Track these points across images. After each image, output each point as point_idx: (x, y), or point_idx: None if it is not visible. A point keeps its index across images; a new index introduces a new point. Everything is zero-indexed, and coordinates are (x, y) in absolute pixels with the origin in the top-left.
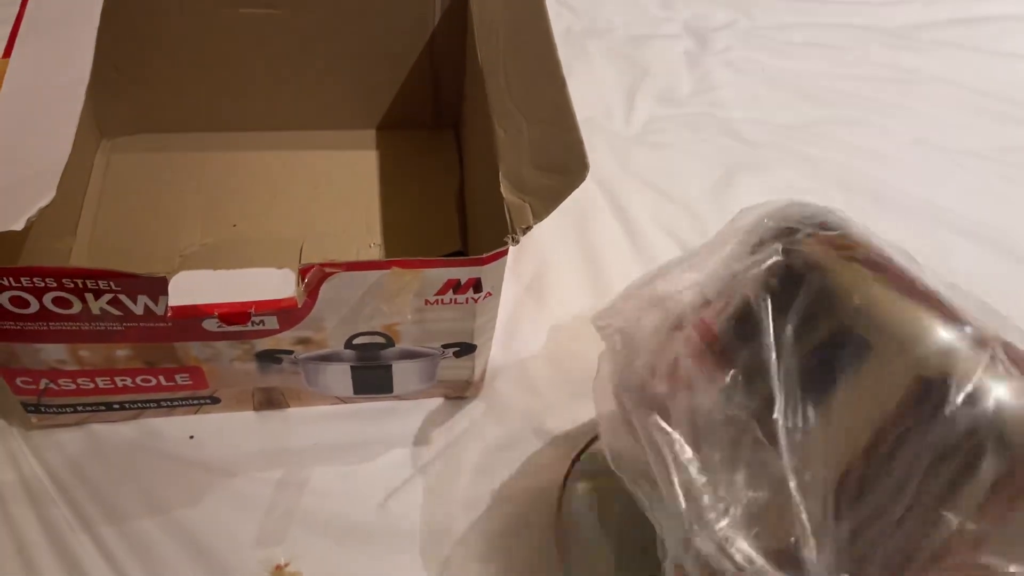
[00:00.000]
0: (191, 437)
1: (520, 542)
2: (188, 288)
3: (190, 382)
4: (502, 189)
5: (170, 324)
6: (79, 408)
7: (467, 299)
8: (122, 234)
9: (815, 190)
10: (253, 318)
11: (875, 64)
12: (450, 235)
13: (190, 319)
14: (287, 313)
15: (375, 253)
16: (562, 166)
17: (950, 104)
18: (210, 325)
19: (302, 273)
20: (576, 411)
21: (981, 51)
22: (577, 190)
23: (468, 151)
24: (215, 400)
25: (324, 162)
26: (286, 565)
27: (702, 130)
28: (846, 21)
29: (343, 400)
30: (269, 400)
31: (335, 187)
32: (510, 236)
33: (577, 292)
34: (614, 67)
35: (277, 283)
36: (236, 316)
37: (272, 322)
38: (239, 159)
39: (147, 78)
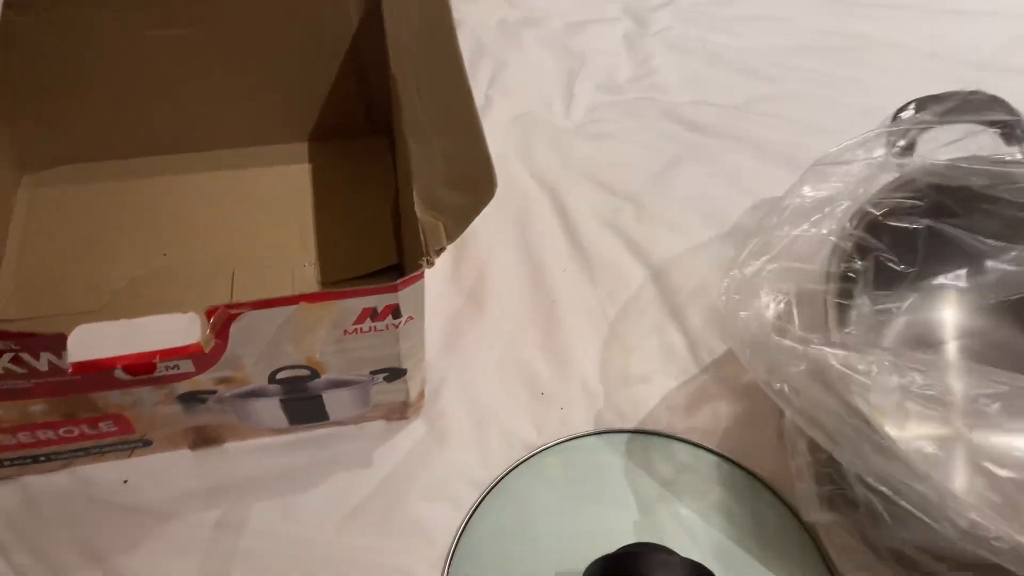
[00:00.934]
0: (125, 482)
1: None
2: (90, 342)
3: (115, 428)
4: (416, 209)
5: (80, 377)
6: (5, 463)
7: (387, 325)
8: (50, 272)
9: (763, 172)
10: (165, 364)
11: (820, 32)
12: (386, 248)
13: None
14: (199, 357)
15: (310, 273)
16: (473, 182)
17: (899, 69)
18: (121, 374)
19: (207, 315)
20: (520, 425)
21: (928, 11)
22: (517, 188)
23: (400, 158)
24: (147, 443)
25: (255, 179)
26: None
27: (644, 117)
28: None
29: (280, 432)
30: (204, 438)
31: (268, 205)
32: (424, 259)
33: (517, 296)
34: (552, 56)
35: (183, 328)
36: (141, 367)
37: (187, 365)
38: (167, 184)
39: (63, 109)
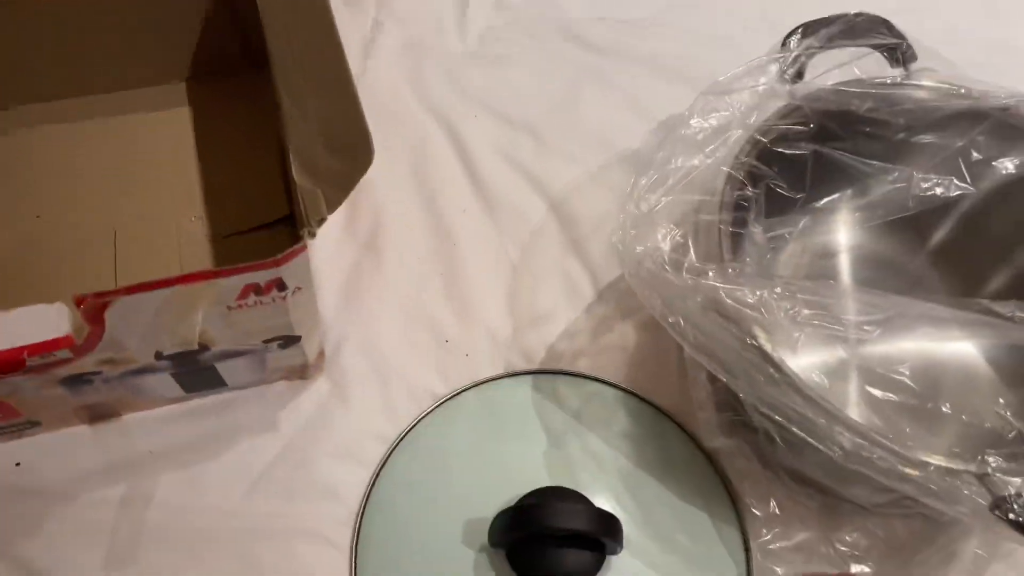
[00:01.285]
0: (18, 464)
1: None
2: None
3: None
4: (294, 174)
5: None
6: None
7: (273, 299)
8: None
9: (661, 92)
10: (37, 358)
11: None
12: (276, 197)
13: None
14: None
15: (198, 227)
16: (350, 147)
17: None
18: None
19: (77, 304)
20: (426, 376)
21: None
22: (412, 124)
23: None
24: (35, 424)
25: (132, 127)
26: None
27: (541, 36)
28: None
29: (178, 400)
30: (98, 413)
31: (147, 154)
32: (306, 231)
33: (417, 242)
34: None
35: (52, 320)
36: (8, 364)
37: (63, 353)
38: (34, 136)
39: None
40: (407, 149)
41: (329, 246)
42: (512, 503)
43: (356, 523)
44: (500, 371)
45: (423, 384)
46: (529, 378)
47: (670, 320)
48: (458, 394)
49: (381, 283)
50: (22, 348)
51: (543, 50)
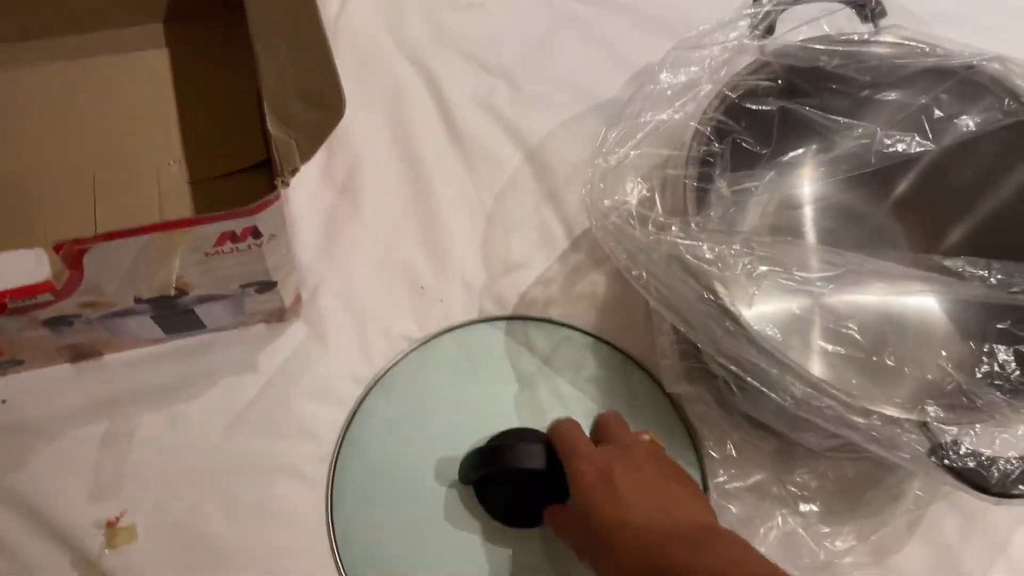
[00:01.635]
0: (3, 401)
1: None
2: None
3: None
4: (268, 124)
5: None
6: None
7: (249, 246)
8: None
9: (639, 42)
10: (18, 301)
11: None
12: (254, 141)
13: None
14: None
15: (176, 172)
16: (322, 99)
17: None
18: None
19: (56, 249)
20: (401, 321)
21: None
22: (389, 70)
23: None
24: (18, 362)
25: (109, 68)
26: (118, 519)
27: None
28: None
29: (159, 340)
30: (80, 353)
31: (125, 96)
32: (279, 180)
33: (393, 188)
34: None
35: (31, 265)
36: None
37: (45, 296)
38: (11, 77)
39: None
40: (384, 94)
41: (307, 191)
42: (482, 443)
43: (332, 460)
44: (474, 317)
45: (398, 328)
46: (503, 323)
47: (634, 273)
48: (433, 338)
49: (358, 228)
50: (3, 292)
51: None
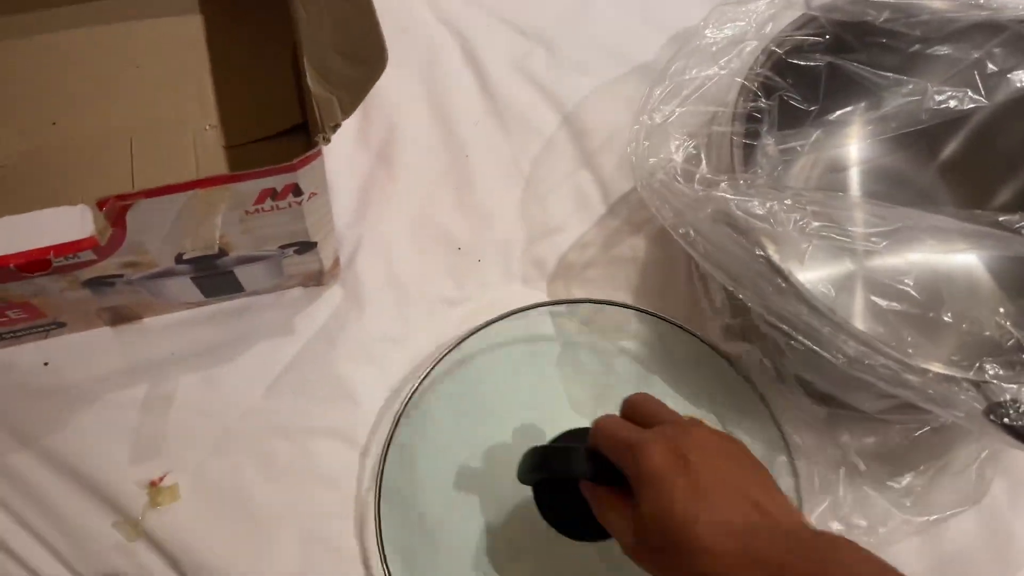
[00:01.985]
0: (46, 364)
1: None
2: None
3: (24, 315)
4: (308, 80)
5: None
6: None
7: (289, 203)
8: None
9: (677, 3)
10: (62, 259)
11: None
12: (289, 105)
13: None
14: (98, 247)
15: (212, 136)
16: (364, 54)
17: None
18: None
19: (99, 206)
20: (440, 283)
21: None
22: (424, 34)
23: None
24: (60, 324)
25: (144, 32)
26: (161, 479)
27: None
28: None
29: (197, 304)
30: (120, 315)
31: (161, 61)
32: (320, 136)
33: (429, 153)
34: None
35: (75, 221)
36: (35, 264)
37: (87, 255)
38: (48, 42)
39: None
40: (419, 59)
41: (343, 156)
42: (541, 439)
43: (391, 429)
44: (513, 280)
45: (436, 290)
46: (563, 308)
47: (680, 231)
48: (494, 322)
49: (394, 193)
50: (48, 248)
51: None
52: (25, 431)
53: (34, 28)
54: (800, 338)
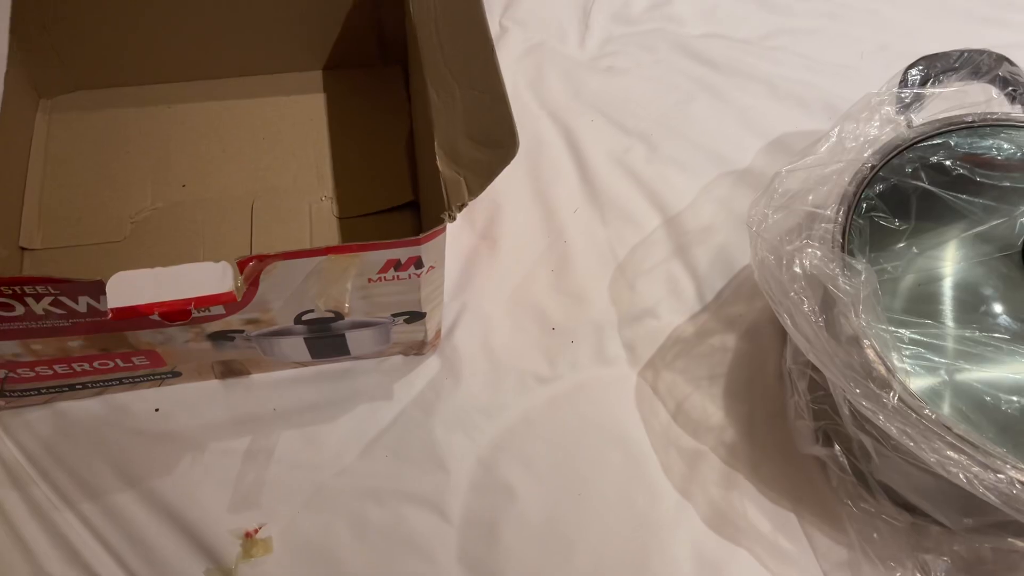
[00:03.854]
0: (156, 410)
1: None
2: (127, 288)
3: (147, 362)
4: (438, 162)
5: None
6: (42, 391)
7: (410, 275)
8: (71, 201)
9: (772, 112)
10: (199, 310)
11: None
12: (402, 184)
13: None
14: (231, 303)
15: (327, 207)
16: (495, 139)
17: (913, 5)
18: (156, 316)
19: (240, 266)
20: (532, 359)
21: None
22: (530, 124)
23: (415, 92)
24: (176, 374)
25: (271, 109)
26: (256, 531)
27: (658, 50)
28: None
29: (303, 364)
30: (230, 369)
31: (284, 135)
32: (447, 214)
33: (529, 236)
34: None
35: (216, 277)
36: (177, 314)
37: (218, 309)
38: (183, 112)
39: (78, 33)
40: (524, 148)
41: (450, 234)
42: None
43: None
44: (603, 364)
45: (529, 367)
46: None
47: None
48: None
49: (494, 271)
50: (190, 300)
51: (659, 62)
52: (132, 472)
53: (171, 98)
54: (891, 442)
